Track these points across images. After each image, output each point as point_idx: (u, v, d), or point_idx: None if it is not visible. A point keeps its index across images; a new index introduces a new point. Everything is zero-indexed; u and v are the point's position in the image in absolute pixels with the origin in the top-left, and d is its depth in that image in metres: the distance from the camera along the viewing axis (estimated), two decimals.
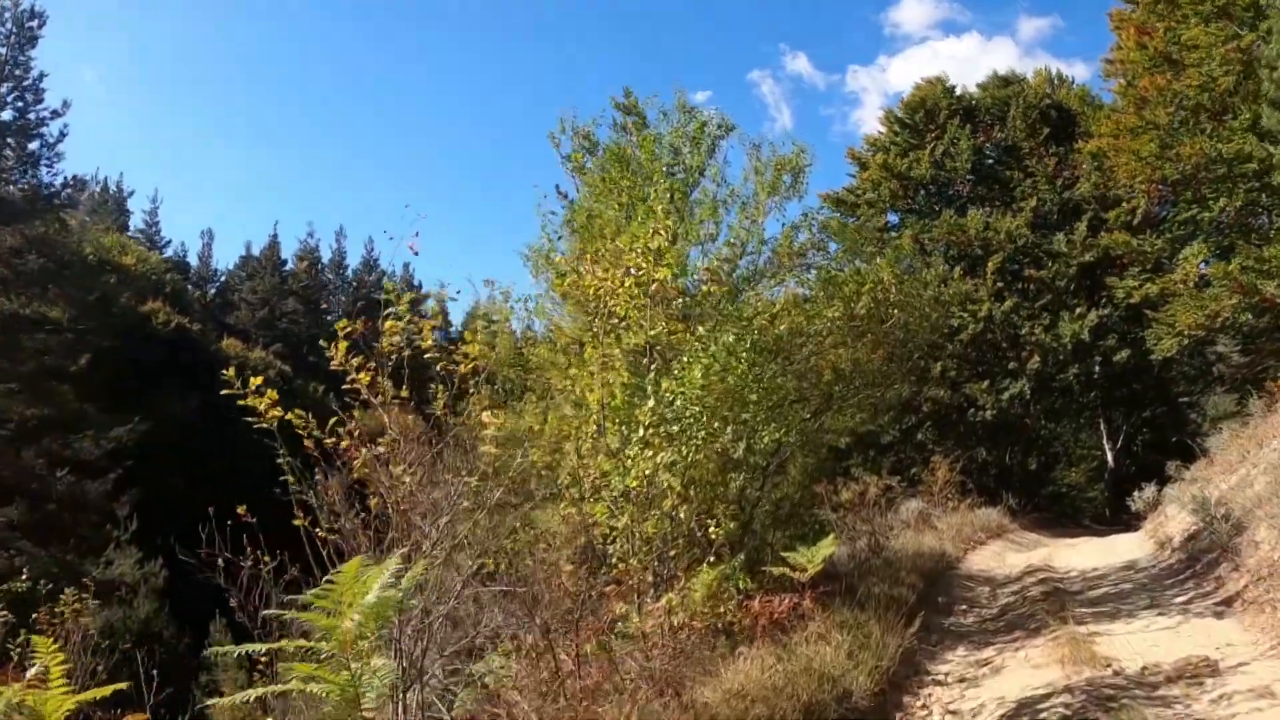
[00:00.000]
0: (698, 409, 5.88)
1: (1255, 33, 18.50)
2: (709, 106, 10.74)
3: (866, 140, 30.64)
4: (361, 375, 4.56)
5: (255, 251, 55.54)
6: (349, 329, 4.62)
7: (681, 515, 5.91)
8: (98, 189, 52.58)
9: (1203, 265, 22.14)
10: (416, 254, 5.05)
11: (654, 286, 6.03)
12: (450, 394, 4.66)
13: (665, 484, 5.82)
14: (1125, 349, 23.96)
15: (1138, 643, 7.33)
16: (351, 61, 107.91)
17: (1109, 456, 28.22)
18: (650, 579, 5.81)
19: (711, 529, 6.04)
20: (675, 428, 5.84)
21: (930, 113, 28.64)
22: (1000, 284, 25.14)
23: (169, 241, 54.52)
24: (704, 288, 6.49)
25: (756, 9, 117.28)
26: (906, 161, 27.87)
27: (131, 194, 55.93)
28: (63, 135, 23.12)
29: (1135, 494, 16.89)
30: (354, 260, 59.24)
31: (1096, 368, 25.32)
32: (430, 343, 4.70)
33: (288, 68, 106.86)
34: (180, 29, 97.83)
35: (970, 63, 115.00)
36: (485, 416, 4.72)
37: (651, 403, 5.85)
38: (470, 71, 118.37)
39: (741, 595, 6.64)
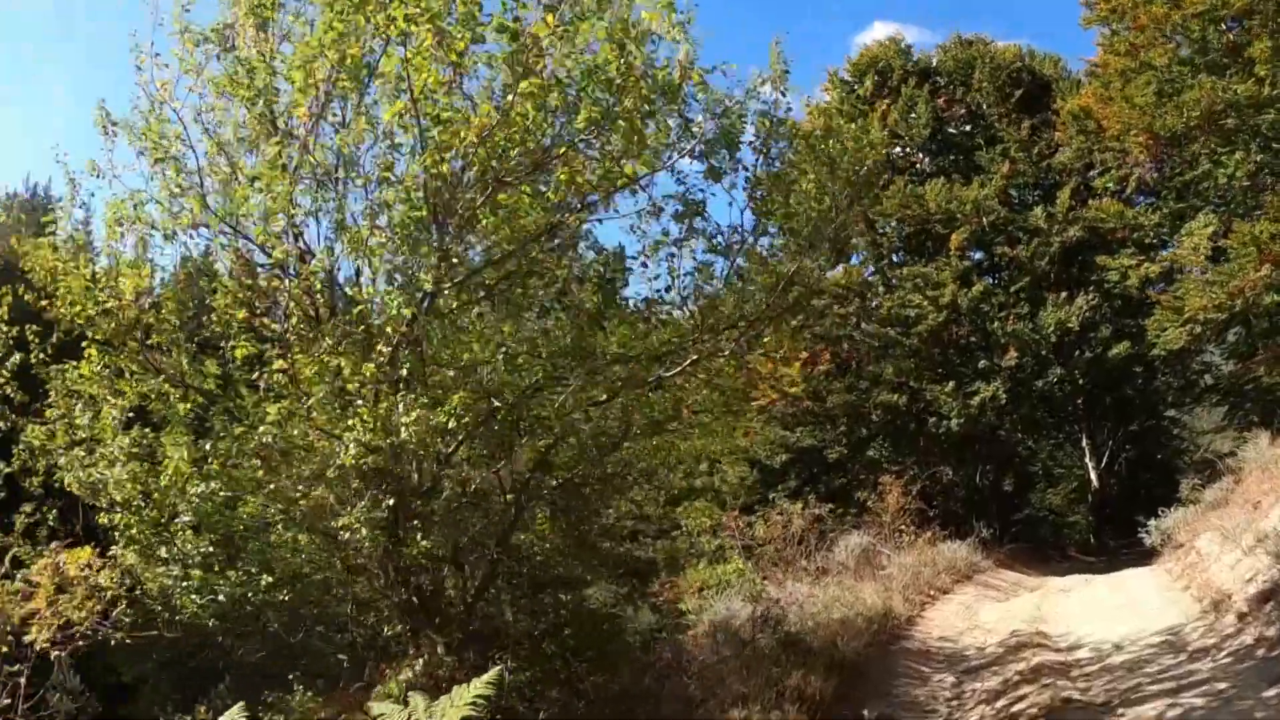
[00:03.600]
0: None
1: None
2: None
3: (809, 110, 26.25)
4: None
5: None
6: None
7: None
8: (27, 195, 47.70)
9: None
10: None
11: None
12: None
13: None
14: (1124, 341, 19.48)
15: None
16: None
17: (1091, 476, 23.99)
18: None
19: None
20: None
21: (882, 74, 24.35)
22: (967, 264, 20.70)
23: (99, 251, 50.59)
24: None
25: (724, 32, 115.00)
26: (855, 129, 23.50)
27: (61, 200, 51.27)
28: None
29: (1152, 522, 12.48)
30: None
31: (1079, 369, 20.93)
32: None
33: None
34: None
35: None
36: None
37: None
38: None
39: None
